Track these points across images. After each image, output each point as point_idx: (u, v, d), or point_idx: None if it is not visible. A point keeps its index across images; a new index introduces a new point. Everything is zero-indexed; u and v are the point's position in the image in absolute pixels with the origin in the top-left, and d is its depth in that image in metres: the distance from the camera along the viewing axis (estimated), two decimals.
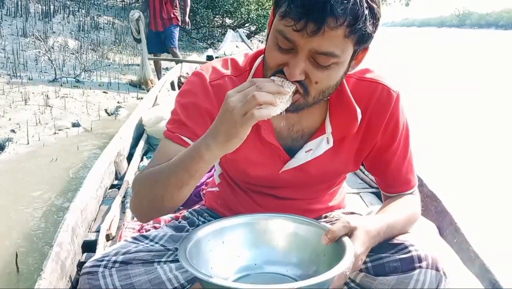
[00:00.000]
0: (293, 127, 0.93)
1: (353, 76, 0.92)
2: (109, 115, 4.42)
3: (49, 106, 4.21)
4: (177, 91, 4.04)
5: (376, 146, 0.95)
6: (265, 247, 0.87)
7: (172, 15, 5.49)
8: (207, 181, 1.36)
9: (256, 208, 1.02)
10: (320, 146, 0.92)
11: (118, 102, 4.88)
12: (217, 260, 0.83)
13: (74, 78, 5.55)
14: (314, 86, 0.78)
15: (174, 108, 0.94)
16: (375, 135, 0.93)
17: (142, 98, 4.93)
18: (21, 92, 4.39)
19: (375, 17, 0.75)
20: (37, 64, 6.03)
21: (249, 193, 1.03)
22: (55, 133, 3.63)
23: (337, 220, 1.01)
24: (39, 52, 6.00)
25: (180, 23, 5.66)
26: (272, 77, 0.75)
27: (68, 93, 4.83)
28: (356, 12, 0.71)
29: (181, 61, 4.81)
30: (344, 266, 0.70)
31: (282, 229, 0.87)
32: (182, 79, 4.47)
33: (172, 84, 4.28)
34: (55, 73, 5.39)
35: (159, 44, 5.56)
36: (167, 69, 6.39)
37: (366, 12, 0.73)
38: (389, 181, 0.98)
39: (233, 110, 0.67)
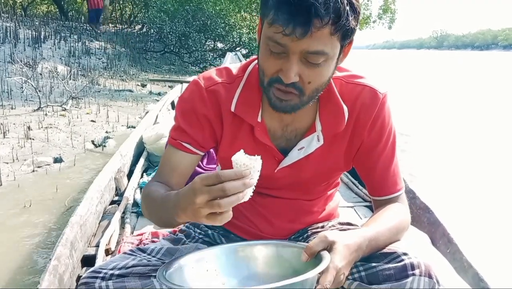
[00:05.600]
0: (287, 128, 0.98)
1: (341, 79, 0.96)
2: (96, 146, 4.14)
3: (30, 138, 3.92)
4: None
5: (364, 144, 0.98)
6: (248, 272, 0.89)
7: None
8: None
9: (255, 209, 1.05)
10: (311, 143, 0.96)
11: (106, 132, 4.62)
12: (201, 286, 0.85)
13: (60, 106, 5.29)
14: (308, 86, 0.83)
15: (175, 115, 1.01)
16: (362, 133, 0.97)
17: (132, 127, 4.70)
18: (1, 123, 4.10)
19: (355, 11, 0.79)
20: (22, 92, 5.78)
21: None
22: (33, 171, 3.30)
23: (331, 226, 1.06)
24: (22, 79, 5.73)
25: None
26: (241, 158, 0.72)
27: (53, 123, 4.56)
28: (338, 10, 0.76)
29: (182, 82, 4.91)
30: (316, 271, 0.72)
31: (264, 255, 0.90)
32: None
33: (172, 103, 4.30)
34: (40, 102, 5.11)
35: None
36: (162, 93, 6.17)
37: (347, 8, 0.77)
38: (377, 182, 1.00)
39: (198, 209, 0.70)
